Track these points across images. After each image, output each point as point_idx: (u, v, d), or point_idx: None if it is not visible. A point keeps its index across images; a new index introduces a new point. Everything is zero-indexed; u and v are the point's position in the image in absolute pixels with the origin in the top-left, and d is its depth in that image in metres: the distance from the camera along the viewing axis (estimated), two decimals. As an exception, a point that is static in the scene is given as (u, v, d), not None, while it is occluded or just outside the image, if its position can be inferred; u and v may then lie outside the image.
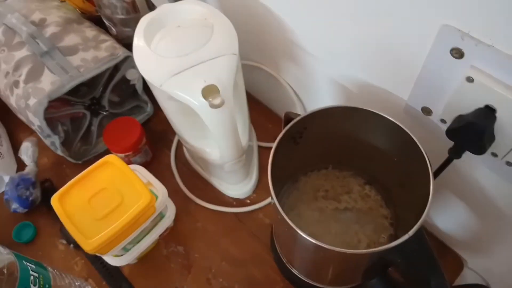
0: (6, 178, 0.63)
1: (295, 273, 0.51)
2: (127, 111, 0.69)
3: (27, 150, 0.62)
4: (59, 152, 0.62)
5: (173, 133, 0.60)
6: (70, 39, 0.61)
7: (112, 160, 0.50)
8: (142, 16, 0.49)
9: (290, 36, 0.54)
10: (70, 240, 0.59)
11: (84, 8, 0.70)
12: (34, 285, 0.41)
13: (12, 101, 0.61)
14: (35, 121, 0.57)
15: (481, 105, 0.35)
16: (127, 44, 0.61)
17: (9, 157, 0.67)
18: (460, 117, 0.37)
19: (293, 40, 0.55)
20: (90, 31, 0.64)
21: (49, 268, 0.46)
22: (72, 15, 0.67)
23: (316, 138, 0.47)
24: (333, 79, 0.54)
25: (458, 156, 0.39)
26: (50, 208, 0.48)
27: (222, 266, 0.57)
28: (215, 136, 0.48)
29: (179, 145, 0.68)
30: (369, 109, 0.42)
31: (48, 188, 0.64)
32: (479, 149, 0.36)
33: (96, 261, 0.57)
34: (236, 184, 0.62)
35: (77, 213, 0.46)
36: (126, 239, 0.48)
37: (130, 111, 0.69)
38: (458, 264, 0.57)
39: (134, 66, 0.62)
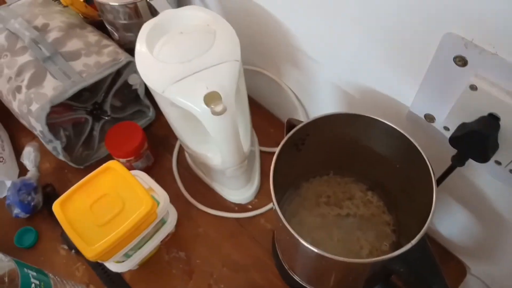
0: (8, 183, 0.63)
1: (297, 280, 0.51)
2: (129, 115, 0.69)
3: (29, 155, 0.63)
4: (61, 157, 0.62)
5: (175, 137, 0.60)
6: (73, 44, 0.62)
7: (114, 166, 0.50)
8: (144, 21, 0.49)
9: (292, 41, 0.54)
10: (71, 246, 0.59)
11: (86, 13, 0.70)
12: (36, 292, 0.41)
13: (15, 106, 0.61)
14: (37, 126, 0.58)
15: (485, 113, 0.35)
16: (129, 49, 0.61)
17: (11, 162, 0.67)
18: (463, 125, 0.37)
19: (295, 45, 0.55)
20: (93, 36, 0.65)
21: (50, 275, 0.46)
22: (75, 20, 0.67)
23: (318, 145, 0.47)
24: (335, 85, 0.54)
25: (462, 164, 0.39)
26: (51, 213, 0.48)
27: (223, 272, 0.57)
28: (217, 142, 0.47)
29: (181, 149, 0.68)
30: (371, 116, 0.42)
31: (50, 193, 0.64)
32: (483, 157, 0.36)
33: (97, 267, 0.57)
34: (237, 190, 0.62)
35: (79, 219, 0.46)
36: (127, 245, 0.48)
37: (132, 115, 0.69)
38: (461, 271, 0.57)
39: (136, 71, 0.61)
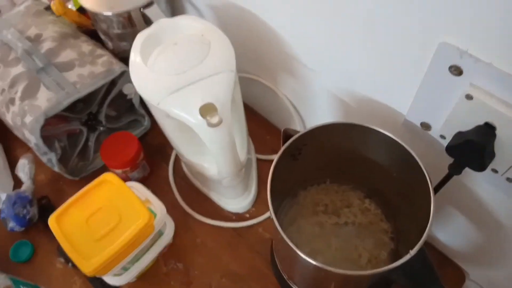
0: (3, 196, 0.62)
1: (296, 289, 0.50)
2: (124, 125, 0.68)
3: (23, 167, 0.62)
4: (56, 169, 0.62)
5: (171, 147, 0.60)
6: (66, 55, 0.61)
7: (110, 178, 0.50)
8: (138, 30, 0.49)
9: (288, 50, 0.54)
10: (68, 259, 0.58)
11: (80, 22, 0.70)
12: (32, 309, 0.40)
13: (8, 118, 0.60)
14: (32, 138, 0.57)
15: (481, 122, 0.35)
16: (124, 58, 0.61)
17: (5, 175, 0.66)
18: (459, 134, 0.37)
19: (291, 54, 0.55)
20: (87, 45, 0.64)
21: (47, 290, 0.45)
22: (68, 30, 0.66)
23: (315, 153, 0.47)
24: (331, 93, 0.54)
25: (458, 172, 0.39)
26: (47, 226, 0.47)
27: (222, 283, 0.56)
28: (213, 153, 0.47)
29: (177, 159, 0.68)
30: (368, 126, 0.42)
31: (45, 205, 0.63)
32: (479, 166, 0.36)
33: (95, 280, 0.56)
34: (235, 199, 0.62)
35: (75, 233, 0.46)
36: (124, 259, 0.47)
37: (127, 125, 0.69)
38: (460, 276, 0.56)
39: (130, 81, 0.61)
